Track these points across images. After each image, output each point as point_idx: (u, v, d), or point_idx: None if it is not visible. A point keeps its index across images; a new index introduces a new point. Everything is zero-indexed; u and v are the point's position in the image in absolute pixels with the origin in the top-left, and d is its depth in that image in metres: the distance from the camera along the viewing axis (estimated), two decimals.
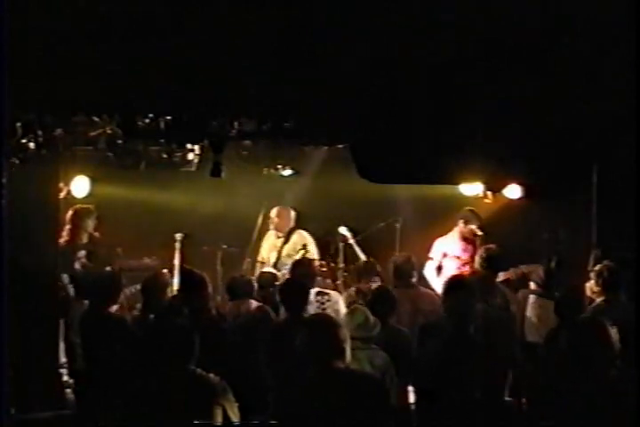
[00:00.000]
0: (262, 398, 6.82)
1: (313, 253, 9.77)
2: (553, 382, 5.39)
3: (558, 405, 5.30)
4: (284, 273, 9.09)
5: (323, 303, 7.87)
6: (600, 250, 8.33)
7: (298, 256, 9.36)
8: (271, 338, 6.78)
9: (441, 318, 6.46)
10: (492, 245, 8.42)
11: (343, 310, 7.64)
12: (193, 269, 7.99)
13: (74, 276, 8.81)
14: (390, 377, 6.03)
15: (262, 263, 9.90)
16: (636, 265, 7.37)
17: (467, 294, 6.43)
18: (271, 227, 10.01)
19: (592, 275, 7.28)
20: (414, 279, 8.07)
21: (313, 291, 7.80)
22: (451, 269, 9.44)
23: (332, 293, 8.15)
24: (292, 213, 10.03)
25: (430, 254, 9.58)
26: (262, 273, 8.82)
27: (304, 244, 9.77)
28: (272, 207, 10.17)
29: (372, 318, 6.39)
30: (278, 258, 9.78)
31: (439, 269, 9.54)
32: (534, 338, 7.36)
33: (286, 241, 9.88)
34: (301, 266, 8.22)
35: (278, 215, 9.97)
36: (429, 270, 9.46)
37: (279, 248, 9.85)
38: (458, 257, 9.54)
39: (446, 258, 9.57)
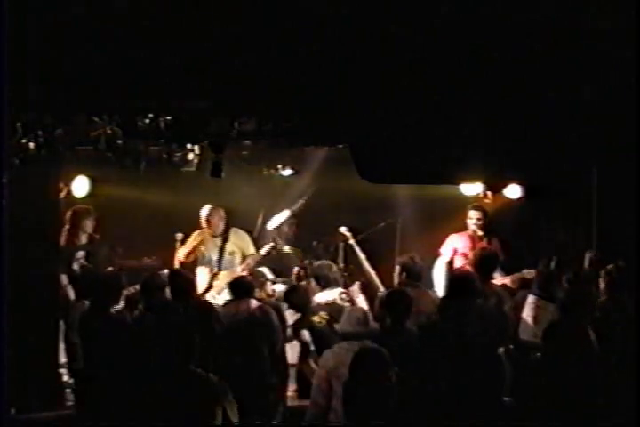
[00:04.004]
0: (261, 399, 6.88)
1: (252, 251, 9.76)
2: (551, 380, 5.41)
3: (556, 403, 5.32)
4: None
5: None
6: (594, 252, 8.34)
7: (265, 249, 9.49)
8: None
9: (437, 319, 6.52)
10: (485, 246, 8.41)
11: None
12: (181, 270, 8.03)
13: (72, 276, 8.81)
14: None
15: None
16: (637, 265, 7.39)
17: (463, 294, 6.46)
18: (204, 226, 9.79)
19: (602, 274, 7.33)
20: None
21: (337, 290, 8.10)
22: (458, 266, 9.44)
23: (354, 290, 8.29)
24: (223, 213, 9.85)
25: (441, 249, 9.59)
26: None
27: (273, 237, 9.79)
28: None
29: (370, 316, 6.44)
30: (221, 256, 9.69)
31: (450, 265, 9.53)
32: (529, 337, 7.36)
33: (226, 240, 9.76)
34: (325, 268, 8.43)
35: (211, 215, 9.77)
36: (439, 266, 9.45)
37: (220, 247, 9.74)
38: (465, 255, 9.52)
39: (457, 255, 9.57)
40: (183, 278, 7.68)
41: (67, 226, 9.06)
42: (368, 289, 8.85)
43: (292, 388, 7.83)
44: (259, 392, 6.93)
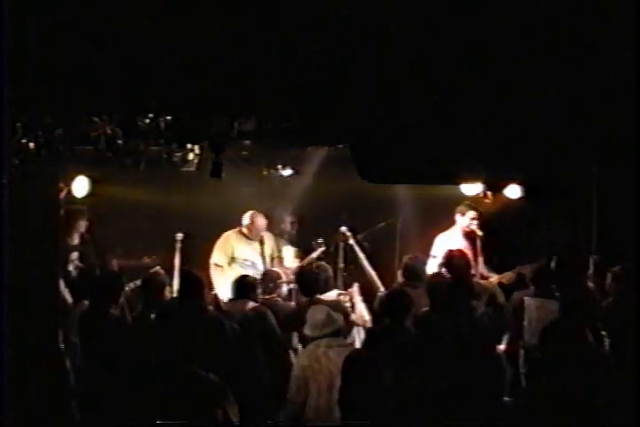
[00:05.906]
0: (261, 399, 6.88)
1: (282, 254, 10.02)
2: (551, 380, 5.41)
3: (556, 403, 5.32)
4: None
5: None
6: (598, 255, 8.36)
7: (317, 253, 9.78)
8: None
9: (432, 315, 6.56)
10: (452, 249, 8.48)
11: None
12: (191, 270, 8.04)
13: (67, 277, 8.81)
14: None
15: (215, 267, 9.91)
16: (637, 266, 7.40)
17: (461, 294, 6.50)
18: (245, 231, 9.99)
19: (609, 275, 7.37)
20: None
21: (334, 292, 8.05)
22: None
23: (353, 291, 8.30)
24: (265, 218, 10.07)
25: (432, 252, 9.56)
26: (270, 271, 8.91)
27: (324, 241, 9.96)
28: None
29: (333, 314, 6.46)
30: (264, 260, 9.90)
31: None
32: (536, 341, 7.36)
33: (263, 243, 9.99)
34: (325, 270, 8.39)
35: (254, 221, 9.99)
36: (433, 268, 9.43)
37: (260, 250, 9.93)
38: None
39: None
40: (194, 278, 7.67)
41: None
42: (368, 289, 8.85)
43: None
44: (259, 393, 6.94)
